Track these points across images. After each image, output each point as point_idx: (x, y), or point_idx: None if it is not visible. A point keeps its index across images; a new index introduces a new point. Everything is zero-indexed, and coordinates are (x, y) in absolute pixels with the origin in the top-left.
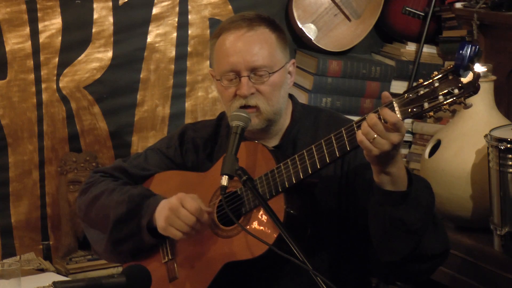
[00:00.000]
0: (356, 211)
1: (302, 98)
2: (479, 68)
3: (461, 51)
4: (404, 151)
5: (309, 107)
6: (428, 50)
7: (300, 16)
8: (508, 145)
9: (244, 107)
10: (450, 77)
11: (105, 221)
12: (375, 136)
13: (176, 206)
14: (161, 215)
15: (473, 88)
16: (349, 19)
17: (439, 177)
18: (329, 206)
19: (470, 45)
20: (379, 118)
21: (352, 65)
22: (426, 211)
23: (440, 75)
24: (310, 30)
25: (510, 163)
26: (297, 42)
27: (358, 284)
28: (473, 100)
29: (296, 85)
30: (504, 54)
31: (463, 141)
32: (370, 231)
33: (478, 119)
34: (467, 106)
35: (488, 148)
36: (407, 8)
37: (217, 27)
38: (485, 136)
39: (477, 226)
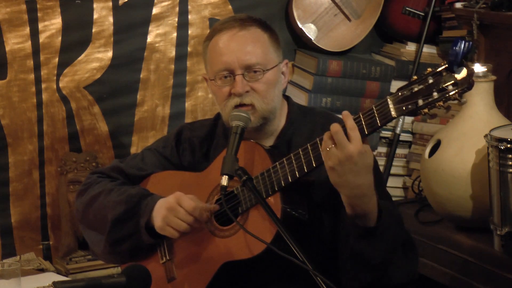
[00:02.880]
0: None
1: (302, 98)
2: (478, 68)
3: (454, 48)
4: (404, 151)
5: (305, 108)
6: (428, 50)
7: (300, 16)
8: (508, 145)
9: (239, 105)
10: (444, 74)
11: (103, 221)
12: (332, 146)
13: (174, 205)
14: (159, 214)
15: (467, 84)
16: (349, 19)
17: (439, 177)
18: (327, 204)
19: (463, 41)
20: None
21: (352, 65)
22: (391, 247)
23: (434, 72)
24: (310, 30)
25: (510, 163)
26: (297, 42)
27: None
28: (473, 100)
29: (296, 85)
30: (504, 54)
31: (463, 141)
32: (338, 252)
33: (478, 119)
34: (461, 102)
35: (488, 148)
36: (407, 8)
37: (209, 30)
38: (485, 136)
39: (477, 226)
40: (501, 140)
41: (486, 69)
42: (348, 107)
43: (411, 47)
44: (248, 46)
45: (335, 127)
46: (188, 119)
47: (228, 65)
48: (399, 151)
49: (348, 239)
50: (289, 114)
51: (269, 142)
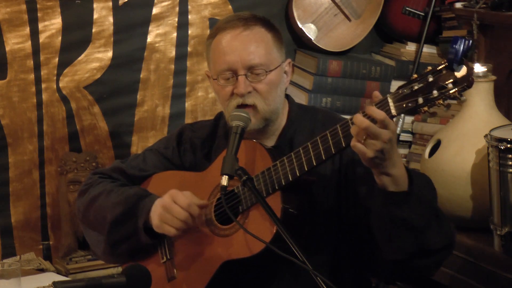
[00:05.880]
0: (356, 208)
1: (302, 98)
2: (478, 68)
3: (454, 46)
4: (404, 151)
5: (306, 107)
6: (428, 50)
7: (300, 16)
8: (508, 145)
9: (241, 106)
10: (444, 72)
11: (103, 222)
12: (365, 137)
13: (168, 203)
14: (155, 213)
15: (467, 82)
16: (349, 19)
17: (439, 177)
18: (328, 204)
19: (463, 40)
20: (367, 118)
21: (352, 65)
22: (429, 207)
23: (434, 70)
24: (310, 30)
25: (510, 163)
26: (297, 42)
27: (357, 283)
28: (473, 100)
29: (296, 85)
30: (504, 54)
31: (463, 141)
32: (374, 231)
33: (478, 119)
34: (461, 101)
35: (488, 148)
36: (407, 8)
37: (212, 28)
38: (485, 136)
39: (477, 226)
40: (501, 140)
41: (486, 69)
42: (348, 107)
43: (411, 47)
44: (251, 46)
45: (363, 122)
46: (188, 119)
47: (231, 65)
48: (399, 151)
49: (383, 213)
50: (289, 113)
51: (271, 142)
